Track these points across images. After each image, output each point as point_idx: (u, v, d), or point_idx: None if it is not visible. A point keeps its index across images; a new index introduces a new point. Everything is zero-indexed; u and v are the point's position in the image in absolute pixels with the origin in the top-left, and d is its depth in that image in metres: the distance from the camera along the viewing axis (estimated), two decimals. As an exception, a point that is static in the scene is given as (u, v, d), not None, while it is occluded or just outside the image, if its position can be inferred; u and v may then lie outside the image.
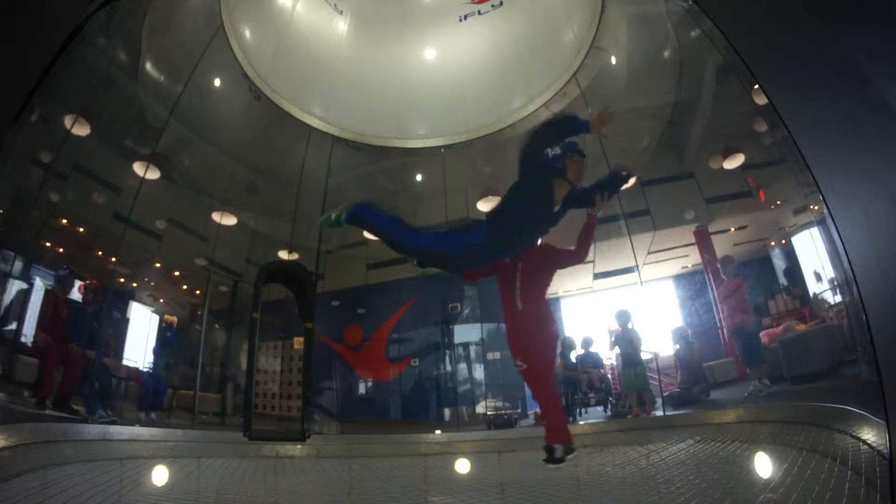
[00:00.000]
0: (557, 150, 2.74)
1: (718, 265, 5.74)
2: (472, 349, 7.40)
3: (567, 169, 2.72)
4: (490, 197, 7.43)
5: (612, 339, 6.03)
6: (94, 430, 4.49)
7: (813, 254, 4.51)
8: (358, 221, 2.79)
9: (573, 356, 6.42)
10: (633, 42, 6.16)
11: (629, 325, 5.80)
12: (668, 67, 6.07)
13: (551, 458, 2.83)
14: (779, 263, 5.39)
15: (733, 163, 5.63)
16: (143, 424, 5.22)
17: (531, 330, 3.22)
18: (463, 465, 4.39)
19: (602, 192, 2.98)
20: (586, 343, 6.43)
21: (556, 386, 3.37)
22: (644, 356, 5.84)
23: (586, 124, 2.62)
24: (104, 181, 5.65)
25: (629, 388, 5.69)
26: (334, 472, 4.34)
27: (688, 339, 5.89)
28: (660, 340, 6.07)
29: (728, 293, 5.45)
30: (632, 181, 3.01)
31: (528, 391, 6.86)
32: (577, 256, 3.39)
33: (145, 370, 5.67)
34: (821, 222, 4.16)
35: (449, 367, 7.34)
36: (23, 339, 4.68)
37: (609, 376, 6.34)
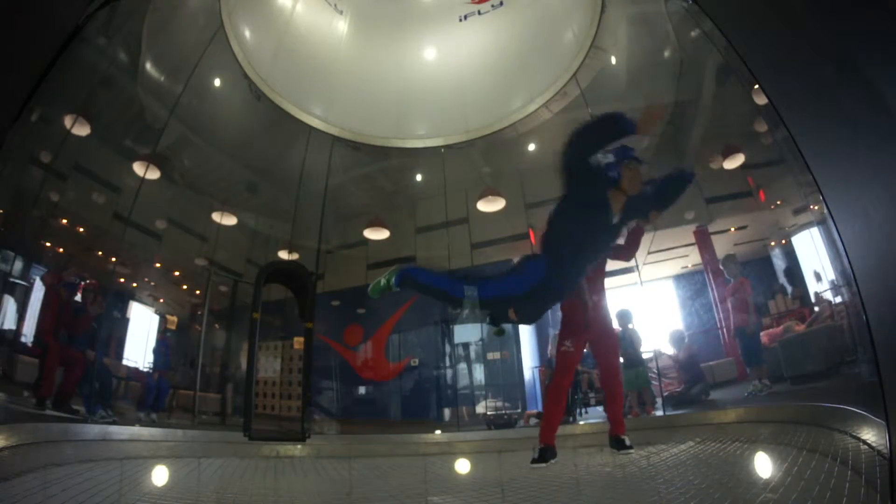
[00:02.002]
0: (611, 157, 2.44)
1: (721, 265, 5.74)
2: (472, 349, 7.40)
3: (622, 177, 2.42)
4: (490, 197, 7.44)
5: None
6: (94, 430, 4.49)
7: (813, 254, 4.51)
8: (409, 283, 2.73)
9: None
10: (633, 42, 6.16)
11: (630, 326, 5.80)
12: (668, 67, 6.07)
13: (622, 446, 3.11)
14: (779, 263, 5.39)
15: (733, 163, 5.63)
16: (143, 424, 5.22)
17: (604, 317, 3.37)
18: (463, 465, 4.39)
19: (661, 202, 2.68)
20: None
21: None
22: (645, 356, 5.84)
23: (632, 125, 2.26)
24: (104, 181, 5.65)
25: (630, 389, 5.69)
26: (334, 472, 4.34)
27: (685, 340, 5.90)
28: (659, 341, 6.07)
29: (732, 292, 5.45)
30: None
31: (534, 391, 6.89)
32: (625, 253, 3.38)
33: (146, 370, 5.67)
34: (821, 222, 4.16)
35: (449, 367, 7.34)
36: (23, 339, 4.68)
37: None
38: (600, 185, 2.40)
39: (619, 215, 2.45)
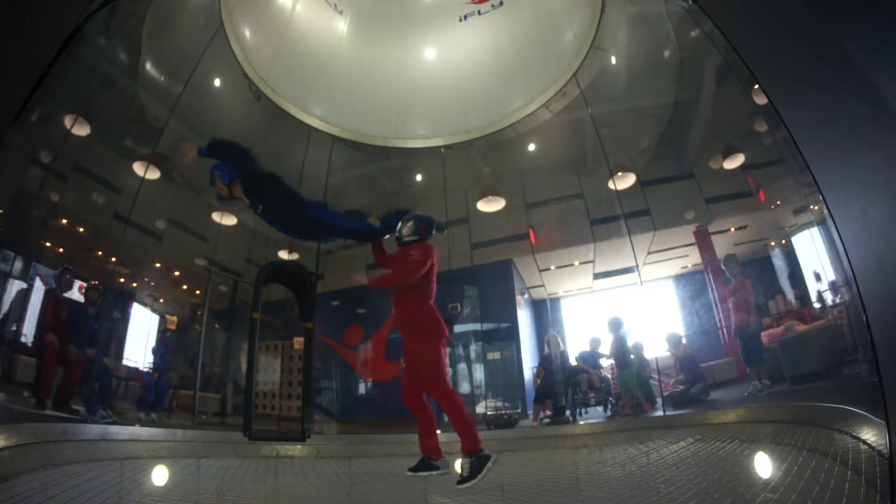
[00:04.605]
0: None
1: (722, 265, 5.75)
2: (472, 349, 7.40)
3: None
4: (490, 197, 7.44)
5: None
6: (94, 430, 4.49)
7: (813, 254, 4.51)
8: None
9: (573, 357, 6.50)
10: (633, 42, 6.16)
11: (620, 332, 6.05)
12: (668, 67, 6.07)
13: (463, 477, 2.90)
14: (779, 263, 5.39)
15: (733, 163, 5.63)
16: (143, 424, 5.22)
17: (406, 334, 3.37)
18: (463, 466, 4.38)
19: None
20: (594, 344, 6.48)
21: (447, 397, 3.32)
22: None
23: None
24: (104, 181, 5.65)
25: (624, 388, 5.81)
26: (333, 472, 4.34)
27: (681, 341, 5.95)
28: (658, 341, 6.09)
29: (733, 292, 5.46)
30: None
31: (533, 391, 6.90)
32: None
33: (146, 370, 5.67)
34: (821, 222, 4.16)
35: (448, 367, 7.32)
36: (23, 339, 4.68)
37: (609, 376, 6.36)
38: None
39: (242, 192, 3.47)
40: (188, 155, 3.49)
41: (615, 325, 6.15)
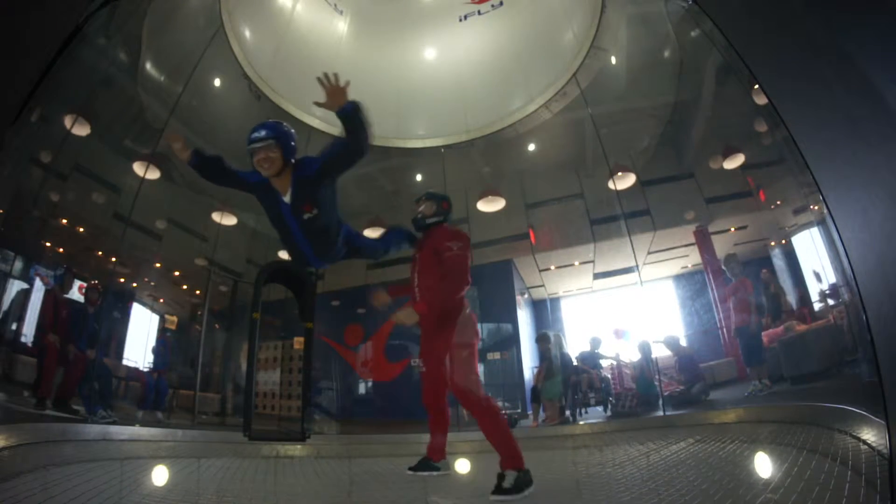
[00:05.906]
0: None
1: (723, 265, 5.75)
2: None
3: (253, 162, 2.60)
4: (490, 197, 7.44)
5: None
6: (94, 430, 4.49)
7: (813, 254, 4.51)
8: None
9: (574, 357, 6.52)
10: (633, 42, 6.17)
11: (548, 346, 6.32)
12: (668, 67, 6.08)
13: (499, 490, 2.47)
14: (779, 263, 5.39)
15: (733, 163, 5.64)
16: (142, 424, 5.23)
17: (428, 334, 2.95)
18: (463, 466, 4.38)
19: (327, 169, 2.54)
20: (594, 344, 6.49)
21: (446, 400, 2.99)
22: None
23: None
24: (104, 181, 5.65)
25: (548, 398, 6.01)
26: (334, 472, 4.34)
27: (678, 342, 5.97)
28: (657, 341, 6.11)
29: (733, 292, 5.47)
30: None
31: (528, 391, 6.91)
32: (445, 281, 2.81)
33: (145, 370, 5.68)
34: (821, 222, 4.15)
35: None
36: (23, 339, 4.68)
37: (609, 376, 6.37)
38: (251, 179, 2.74)
39: (290, 192, 2.64)
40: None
41: (542, 340, 6.39)
